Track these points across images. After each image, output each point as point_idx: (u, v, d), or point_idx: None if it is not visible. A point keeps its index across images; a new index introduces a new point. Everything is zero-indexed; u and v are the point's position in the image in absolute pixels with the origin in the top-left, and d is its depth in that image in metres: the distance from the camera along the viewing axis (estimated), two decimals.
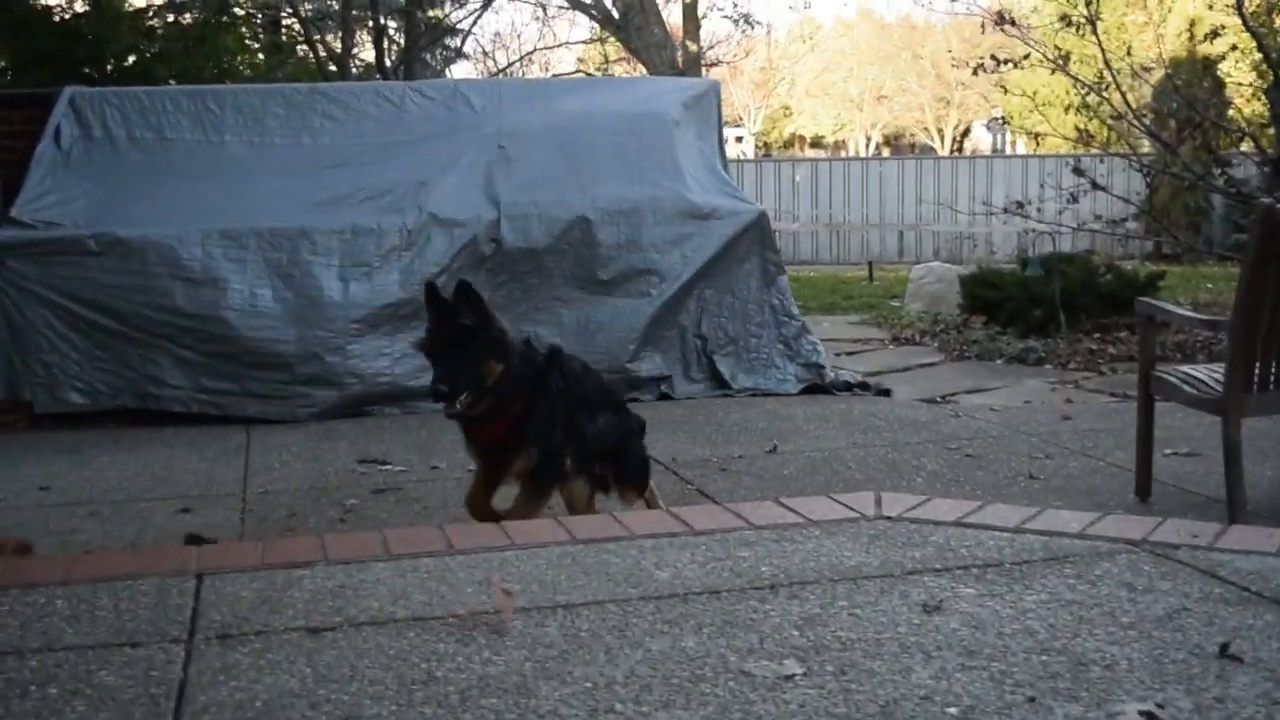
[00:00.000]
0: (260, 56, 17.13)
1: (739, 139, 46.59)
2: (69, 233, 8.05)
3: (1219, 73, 19.81)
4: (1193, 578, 3.34)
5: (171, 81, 12.97)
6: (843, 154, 45.60)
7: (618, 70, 26.66)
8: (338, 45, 20.24)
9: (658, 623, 3.05)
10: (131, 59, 14.71)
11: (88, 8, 14.55)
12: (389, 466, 6.58)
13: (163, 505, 5.95)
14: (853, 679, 2.68)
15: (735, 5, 40.83)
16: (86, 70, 13.88)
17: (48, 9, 14.77)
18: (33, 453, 7.25)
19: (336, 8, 20.65)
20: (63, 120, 8.70)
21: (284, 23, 19.70)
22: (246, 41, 16.97)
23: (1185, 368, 6.00)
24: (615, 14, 23.98)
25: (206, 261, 8.08)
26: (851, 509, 4.07)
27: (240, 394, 8.07)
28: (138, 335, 8.01)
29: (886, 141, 52.04)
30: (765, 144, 51.12)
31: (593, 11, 25.12)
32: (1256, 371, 5.43)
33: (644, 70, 23.34)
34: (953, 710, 2.53)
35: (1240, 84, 17.78)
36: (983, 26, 13.85)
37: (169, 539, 5.17)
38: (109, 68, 14.27)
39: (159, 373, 8.04)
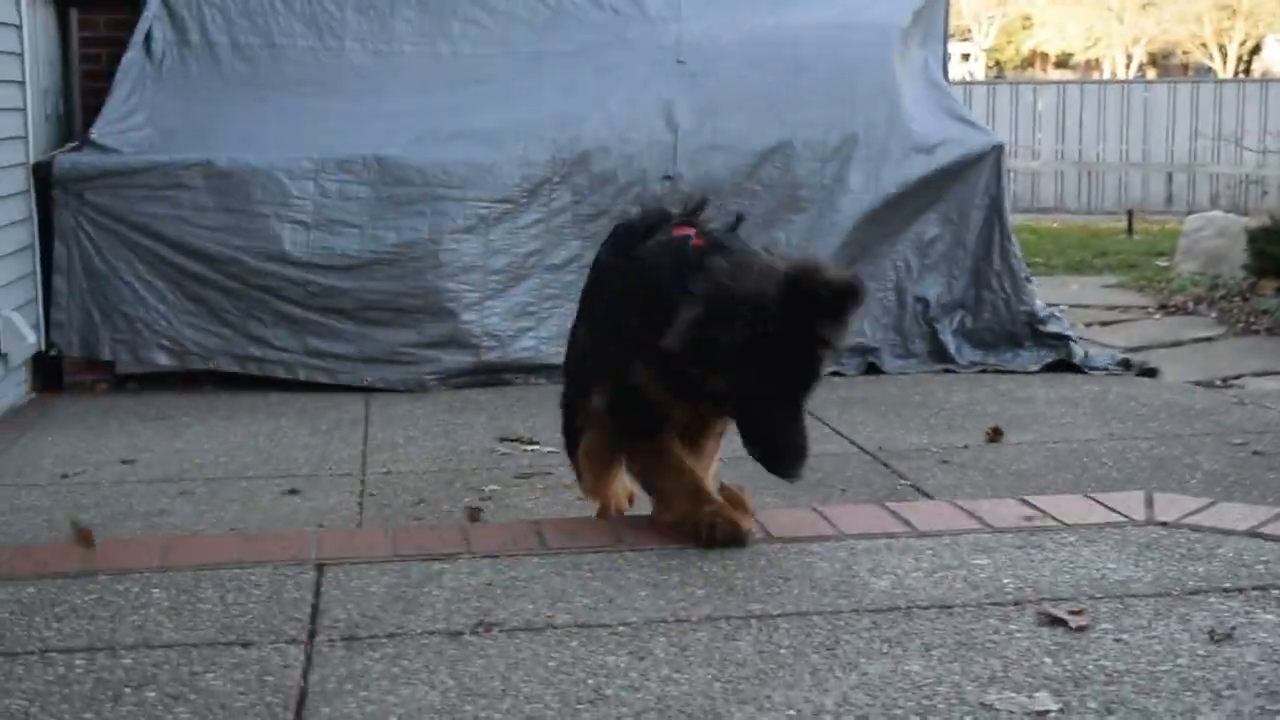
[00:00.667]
0: None
1: (965, 56, 45.97)
2: (158, 160, 8.14)
3: None
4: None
5: None
6: (1097, 76, 44.75)
7: None
8: None
9: (875, 641, 3.05)
10: None
11: None
12: (535, 446, 6.62)
13: (266, 485, 6.07)
14: (1122, 719, 2.67)
15: None
16: None
17: None
18: (114, 419, 7.40)
19: None
20: (155, 23, 8.75)
21: None
22: None
23: None
24: None
25: (320, 198, 8.11)
26: (1116, 512, 4.02)
27: (357, 358, 8.11)
28: (236, 286, 8.09)
29: (1153, 61, 50.92)
30: (998, 63, 50.39)
31: None
32: None
33: None
34: None
35: None
36: None
37: (274, 524, 5.28)
38: None
39: (261, 331, 8.10)
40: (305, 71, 8.75)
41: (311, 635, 3.12)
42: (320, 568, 3.56)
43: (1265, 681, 2.84)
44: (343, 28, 8.90)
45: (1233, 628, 3.12)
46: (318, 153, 8.20)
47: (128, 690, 2.84)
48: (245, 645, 3.07)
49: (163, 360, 8.13)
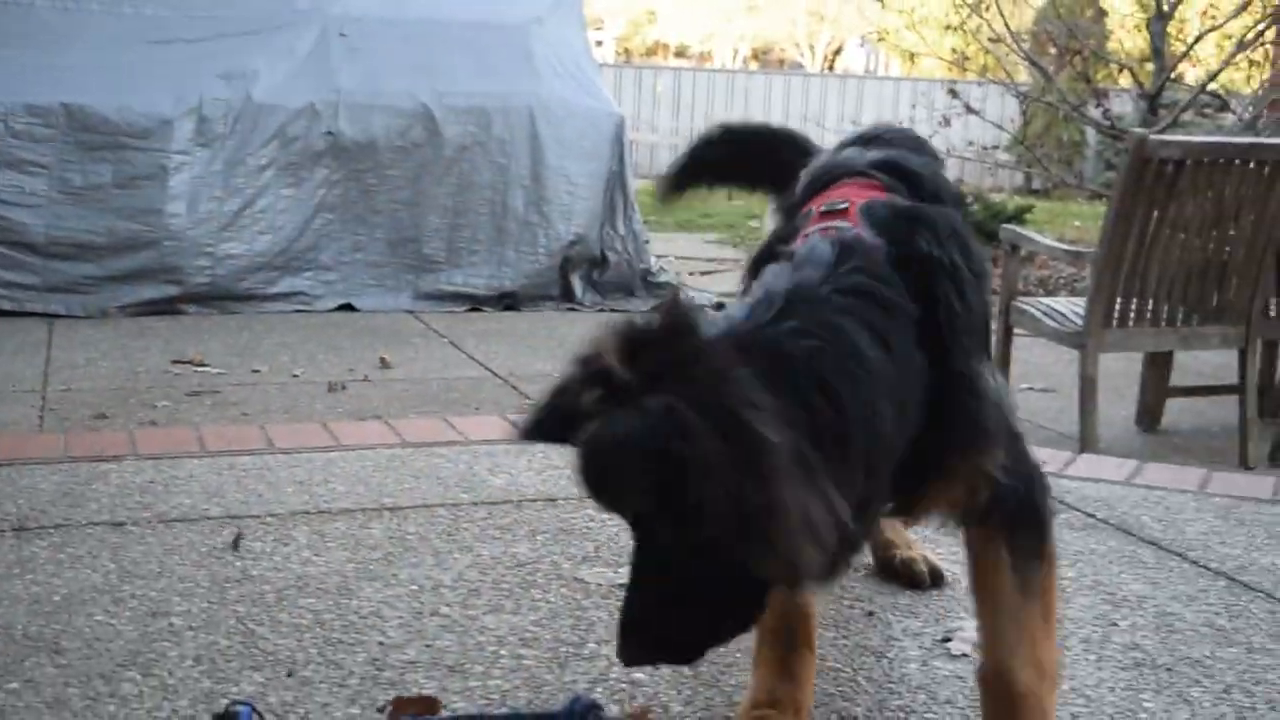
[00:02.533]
0: None
1: (599, 43, 46.27)
2: None
3: (1103, 3, 20.19)
4: None
5: None
6: (708, 65, 45.61)
7: None
8: None
9: (489, 528, 3.10)
10: None
11: None
12: (205, 368, 6.51)
13: None
14: None
15: None
16: None
17: None
18: None
19: None
20: None
21: None
22: None
23: (1047, 300, 6.20)
24: None
25: (7, 139, 7.85)
26: None
27: (41, 288, 7.88)
28: None
29: (755, 55, 52.06)
30: (626, 50, 50.87)
31: None
32: (1117, 307, 5.64)
33: None
34: None
35: (1123, 16, 18.16)
36: None
37: None
38: None
39: None
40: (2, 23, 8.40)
41: None
42: None
43: None
44: None
45: None
46: (6, 97, 7.90)
47: None
48: None
49: None
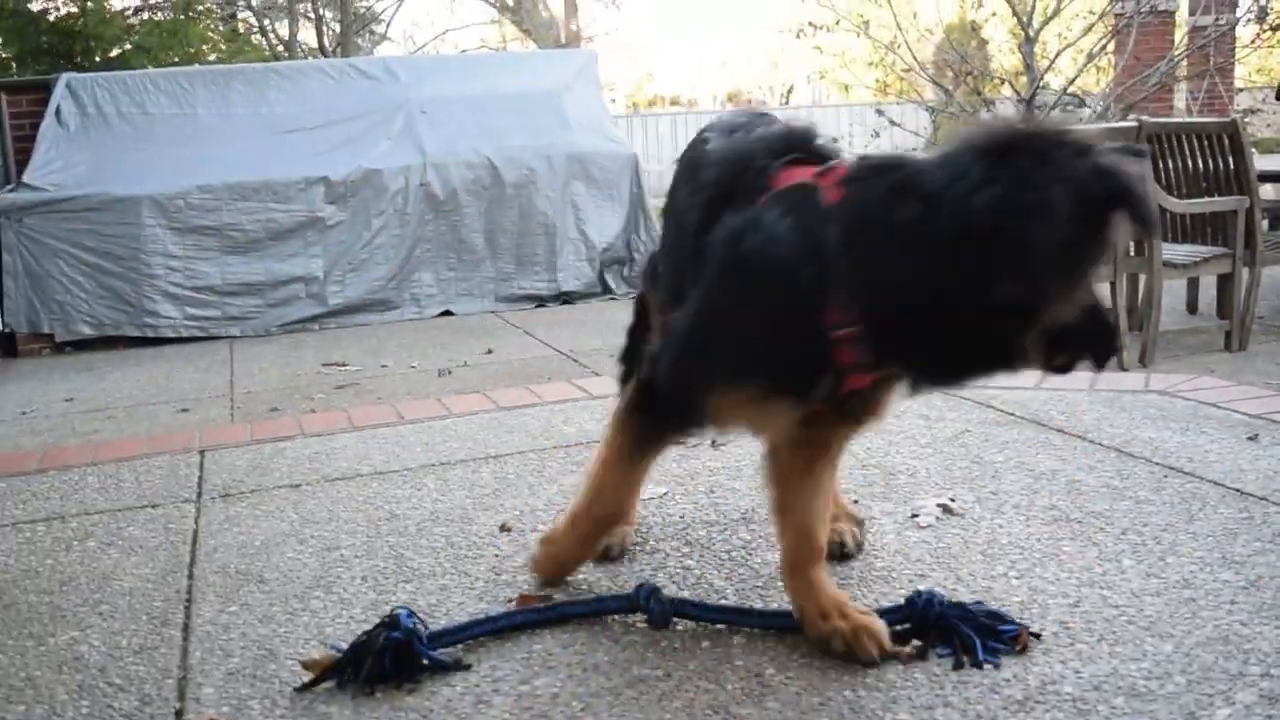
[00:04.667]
0: (223, 46, 16.73)
1: (612, 100, 46.06)
2: (74, 193, 7.82)
3: (984, 34, 19.96)
4: (973, 409, 3.46)
5: (150, 67, 12.67)
6: (695, 108, 45.34)
7: (514, 46, 26.26)
8: (285, 33, 19.81)
9: (568, 465, 3.10)
10: (115, 50, 14.36)
11: (77, 9, 14.18)
12: (347, 367, 6.53)
13: (166, 407, 5.86)
14: (720, 496, 2.76)
15: None
16: (79, 60, 13.53)
17: (44, 11, 14.40)
18: (56, 373, 7.09)
19: (283, 2, 20.26)
20: (62, 101, 8.41)
21: (239, 15, 19.31)
22: (209, 32, 16.56)
23: None
24: (510, 1, 23.86)
25: (188, 211, 7.93)
26: None
27: (221, 319, 7.96)
28: (134, 276, 7.85)
29: (730, 98, 51.74)
30: (633, 103, 50.63)
31: (491, 0, 24.89)
32: None
33: (534, 45, 23.17)
34: None
35: (1000, 42, 17.95)
36: None
37: (174, 433, 5.13)
38: (97, 58, 13.93)
39: (153, 306, 7.89)
40: (171, 129, 8.47)
41: (199, 496, 3.04)
42: (203, 453, 3.47)
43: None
44: (194, 98, 8.62)
45: None
46: (184, 182, 7.97)
47: (75, 543, 2.74)
48: (154, 506, 2.98)
49: (87, 331, 7.84)
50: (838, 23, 12.87)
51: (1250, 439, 2.99)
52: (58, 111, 8.39)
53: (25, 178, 8.00)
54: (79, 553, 2.66)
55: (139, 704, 1.92)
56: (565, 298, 8.57)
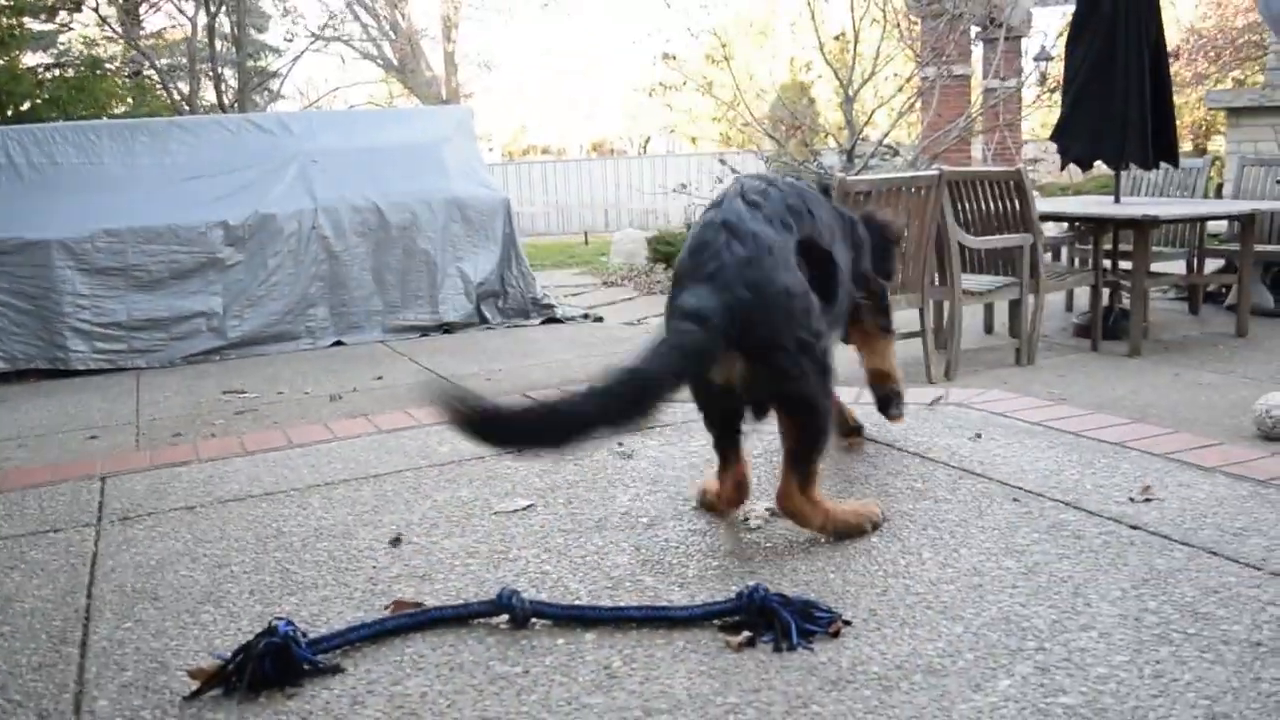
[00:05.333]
0: (128, 100, 16.16)
1: (490, 149, 45.78)
2: None
3: (812, 94, 20.44)
4: None
5: (60, 120, 12.18)
6: (564, 157, 45.38)
7: (400, 102, 25.95)
8: (186, 89, 19.25)
9: (441, 481, 3.06)
10: (26, 105, 13.79)
11: None
12: (246, 394, 6.35)
13: (75, 435, 5.62)
14: (576, 506, 2.75)
15: (479, 54, 40.58)
16: None
17: None
18: None
19: (185, 61, 19.72)
20: None
21: (144, 73, 18.69)
22: (116, 89, 15.98)
23: None
24: (395, 61, 23.64)
25: (94, 255, 7.63)
26: None
27: (128, 352, 7.67)
28: (46, 314, 7.52)
29: (594, 148, 51.95)
30: (509, 152, 50.43)
31: (378, 60, 24.63)
32: None
33: (419, 101, 22.95)
34: (644, 519, 2.63)
35: (826, 100, 18.41)
36: (654, 62, 14.02)
37: (79, 460, 4.91)
38: (9, 113, 13.36)
39: (63, 341, 7.56)
40: (78, 178, 8.13)
41: (99, 520, 2.91)
42: (104, 479, 3.32)
43: (651, 476, 2.97)
44: (101, 149, 8.29)
45: (633, 450, 3.24)
46: (92, 226, 7.67)
47: None
48: (56, 531, 2.85)
49: (0, 365, 7.48)
50: (685, 83, 13.05)
51: (1028, 439, 3.10)
52: None
53: None
54: None
55: (37, 719, 1.83)
56: (446, 328, 8.48)
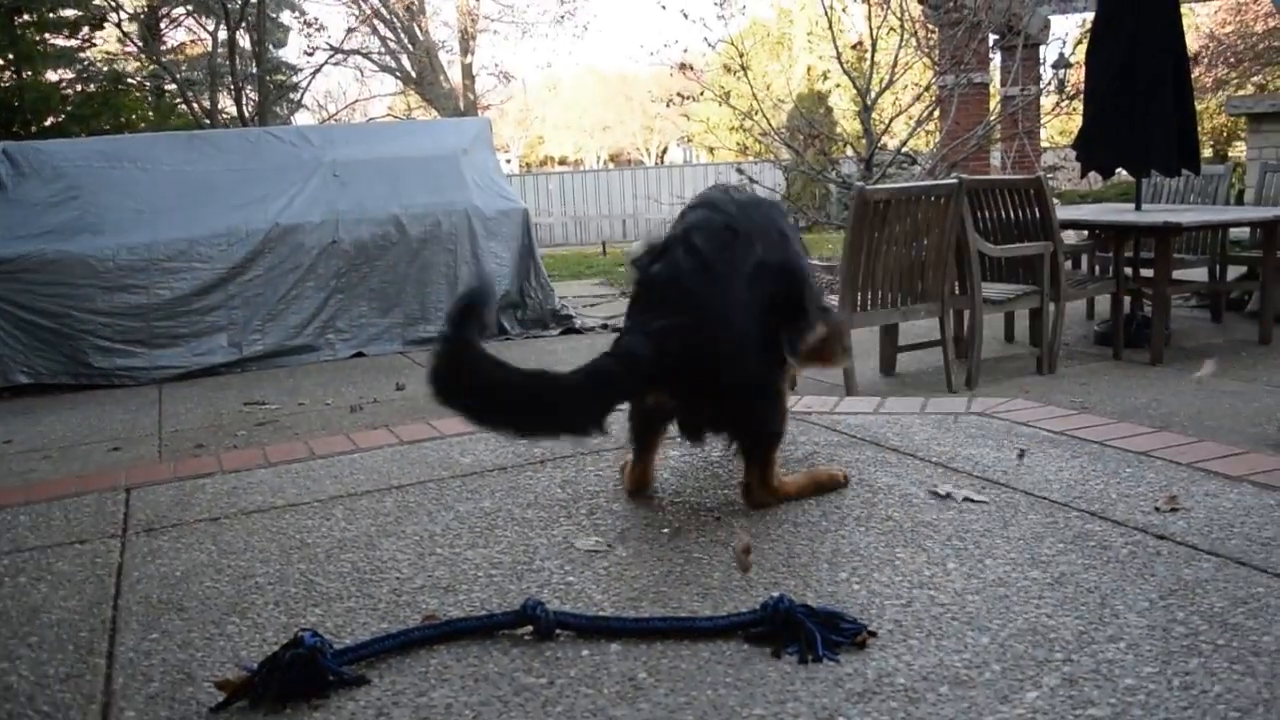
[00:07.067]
0: (150, 114, 16.32)
1: (507, 161, 46.04)
2: (10, 255, 7.55)
3: (829, 103, 20.45)
4: (821, 432, 3.51)
5: (83, 135, 12.32)
6: (581, 168, 45.55)
7: (418, 114, 26.08)
8: (207, 103, 19.40)
9: (463, 491, 3.06)
10: (50, 120, 13.96)
11: (14, 82, 13.75)
12: (267, 405, 6.39)
13: (99, 447, 5.67)
14: (600, 517, 2.75)
15: (497, 66, 40.80)
16: (17, 131, 13.12)
17: None
18: None
19: (204, 75, 19.88)
20: (1, 165, 8.13)
21: (166, 88, 18.86)
22: (138, 104, 16.16)
23: None
24: (414, 74, 23.79)
25: (116, 270, 7.69)
26: None
27: (150, 368, 7.73)
28: (68, 330, 7.61)
29: (612, 158, 52.15)
30: (526, 164, 50.67)
31: (396, 73, 24.77)
32: (858, 299, 5.71)
33: (437, 114, 23.08)
34: (666, 530, 2.62)
35: (843, 109, 18.41)
36: (671, 73, 14.04)
37: (103, 472, 4.95)
38: (33, 128, 13.53)
39: (86, 357, 7.65)
40: (101, 194, 8.20)
41: (124, 531, 2.93)
42: (129, 490, 3.34)
43: (674, 487, 2.97)
44: (123, 163, 8.38)
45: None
46: (114, 241, 7.75)
47: (6, 579, 2.61)
48: (83, 542, 2.86)
49: (23, 379, 7.56)
50: (702, 94, 13.08)
51: (1020, 452, 3.08)
52: None
53: None
54: (10, 588, 2.55)
55: None
56: None
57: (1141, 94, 7.03)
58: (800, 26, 24.30)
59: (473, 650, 2.02)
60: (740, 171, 12.92)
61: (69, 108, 14.59)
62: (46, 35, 14.83)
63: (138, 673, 2.03)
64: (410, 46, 24.11)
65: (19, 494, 3.51)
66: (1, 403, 7.37)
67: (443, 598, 2.28)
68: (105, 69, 17.54)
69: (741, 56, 12.50)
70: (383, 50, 24.49)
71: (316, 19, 27.36)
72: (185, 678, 1.99)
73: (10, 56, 13.56)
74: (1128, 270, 7.24)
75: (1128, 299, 7.20)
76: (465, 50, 25.30)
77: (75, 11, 15.74)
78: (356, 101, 26.47)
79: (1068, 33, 15.81)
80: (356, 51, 24.02)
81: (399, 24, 23.89)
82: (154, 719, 1.85)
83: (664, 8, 14.26)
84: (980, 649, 1.91)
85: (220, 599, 2.37)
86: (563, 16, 32.71)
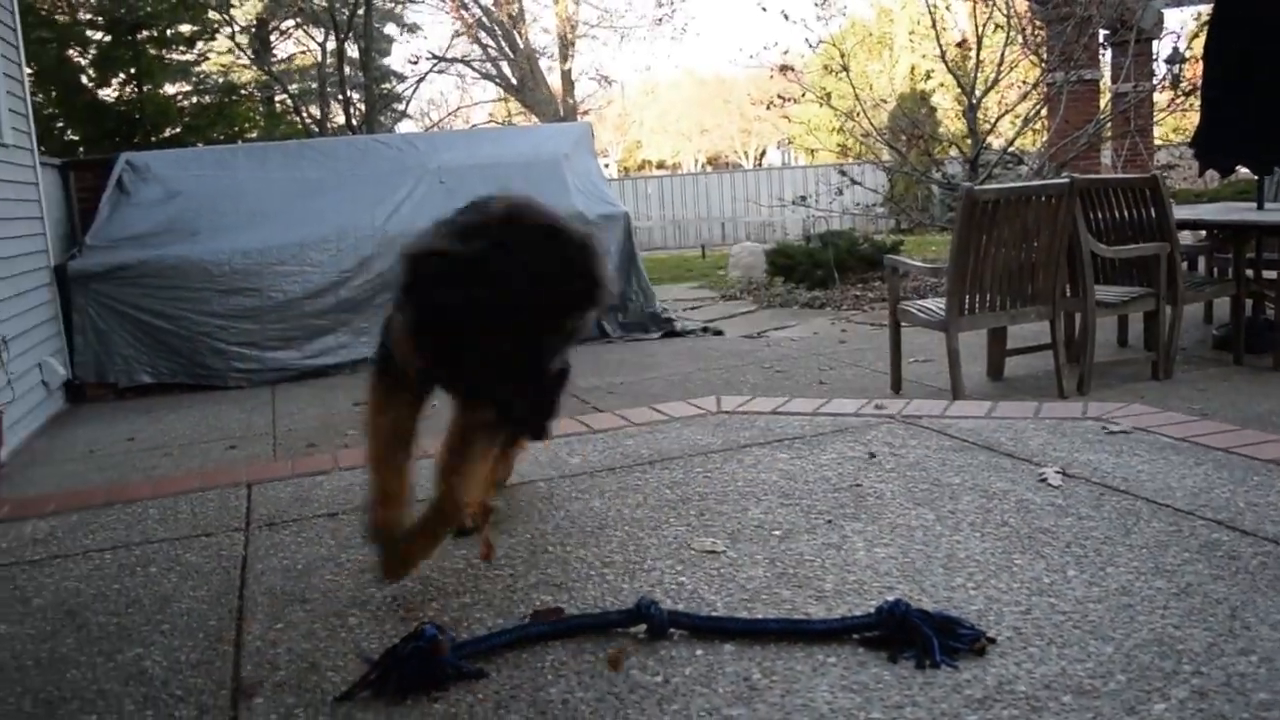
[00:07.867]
0: (262, 124, 16.85)
1: (606, 165, 46.38)
2: (132, 261, 7.86)
3: (932, 102, 20.13)
4: (932, 436, 3.46)
5: (199, 144, 12.79)
6: (679, 171, 45.60)
7: (518, 120, 26.42)
8: (317, 113, 19.94)
9: (573, 491, 3.09)
10: (169, 131, 14.51)
11: (136, 95, 14.32)
12: None
13: (216, 445, 5.86)
14: (709, 519, 2.76)
15: (597, 70, 41.09)
16: (137, 142, 13.68)
17: (110, 100, 14.61)
18: (120, 416, 7.09)
19: (314, 86, 20.42)
20: (122, 173, 8.49)
21: (277, 99, 19.43)
22: (250, 113, 16.70)
23: (920, 301, 6.15)
24: (514, 81, 24.10)
25: (232, 274, 7.94)
26: (700, 408, 4.12)
27: (264, 370, 7.96)
28: (185, 332, 7.88)
29: (709, 161, 52.10)
30: (625, 168, 50.92)
31: (497, 80, 25.14)
32: (965, 302, 5.61)
33: (537, 120, 23.34)
34: (777, 532, 2.62)
35: (946, 109, 18.12)
36: (771, 75, 13.97)
37: (224, 468, 5.11)
38: (153, 139, 14.09)
39: (203, 359, 7.91)
40: (216, 200, 8.49)
41: (247, 525, 3.03)
42: (250, 486, 3.45)
43: (782, 488, 2.96)
44: (237, 170, 8.67)
45: (763, 462, 3.24)
46: (230, 246, 8.00)
47: (139, 569, 2.72)
48: (208, 535, 2.97)
49: (146, 379, 7.86)
50: (803, 95, 12.98)
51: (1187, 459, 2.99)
52: (119, 184, 8.47)
53: (86, 239, 8.07)
54: (142, 577, 2.65)
55: (198, 713, 1.91)
56: None
57: (1264, 86, 6.77)
58: (901, 26, 23.98)
59: (588, 647, 2.04)
60: (842, 173, 12.78)
61: (186, 119, 15.16)
62: (165, 51, 15.43)
63: (264, 661, 2.10)
64: (511, 54, 24.43)
65: (146, 488, 3.65)
66: (124, 402, 7.68)
67: (555, 595, 2.31)
68: (219, 81, 18.18)
69: (842, 56, 12.37)
70: (484, 58, 24.87)
71: (420, 26, 27.94)
72: (310, 667, 2.05)
73: (132, 71, 14.13)
74: (1248, 272, 6.98)
75: (1249, 302, 6.94)
76: (564, 56, 25.54)
77: (191, 26, 16.35)
78: (459, 109, 26.93)
79: (1183, 25, 15.33)
80: (459, 60, 24.43)
81: (500, 32, 24.24)
82: (281, 706, 1.91)
83: (764, 10, 14.20)
84: (1104, 659, 1.87)
85: (341, 591, 2.44)
86: (661, 19, 32.76)
